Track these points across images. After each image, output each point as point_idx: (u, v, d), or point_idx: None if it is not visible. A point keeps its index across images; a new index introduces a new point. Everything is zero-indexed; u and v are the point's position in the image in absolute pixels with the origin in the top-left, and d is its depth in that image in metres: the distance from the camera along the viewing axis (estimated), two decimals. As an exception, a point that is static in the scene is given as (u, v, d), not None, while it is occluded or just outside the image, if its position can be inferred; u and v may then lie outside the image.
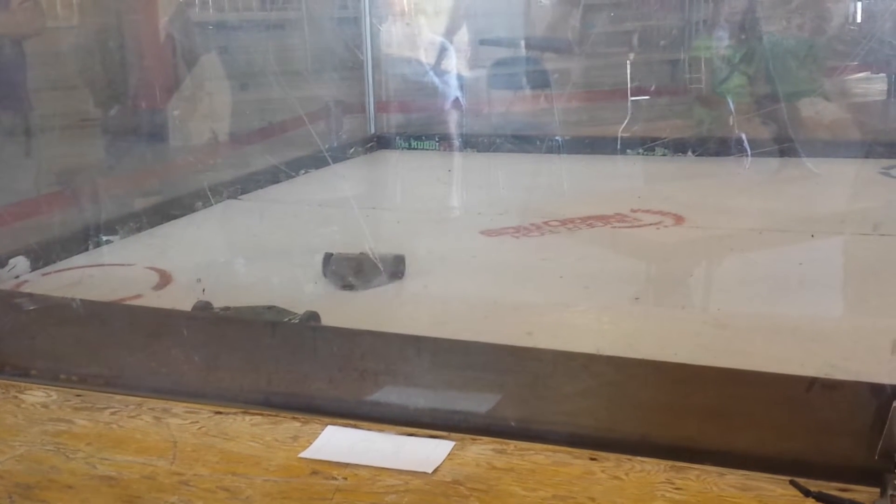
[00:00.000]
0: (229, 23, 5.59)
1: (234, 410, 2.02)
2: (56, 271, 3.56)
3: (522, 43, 6.35)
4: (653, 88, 5.66)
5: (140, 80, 4.60)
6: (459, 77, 5.96)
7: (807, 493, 1.57)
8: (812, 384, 1.83)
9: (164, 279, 3.38)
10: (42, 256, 3.61)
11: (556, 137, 5.60)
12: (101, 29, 4.51)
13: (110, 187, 4.23)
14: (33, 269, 3.55)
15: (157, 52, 4.62)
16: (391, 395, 2.04)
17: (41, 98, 4.09)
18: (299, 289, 3.26)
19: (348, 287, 3.16)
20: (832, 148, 4.98)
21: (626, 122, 5.23)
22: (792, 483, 1.61)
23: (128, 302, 3.06)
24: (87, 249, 3.82)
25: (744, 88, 5.46)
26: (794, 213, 4.07)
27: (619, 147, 5.37)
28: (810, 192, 4.54)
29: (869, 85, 5.73)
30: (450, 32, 6.09)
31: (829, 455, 1.71)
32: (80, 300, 2.45)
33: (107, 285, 3.35)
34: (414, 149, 6.12)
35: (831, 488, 1.59)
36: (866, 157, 4.93)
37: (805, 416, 1.80)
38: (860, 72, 5.52)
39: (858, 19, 5.51)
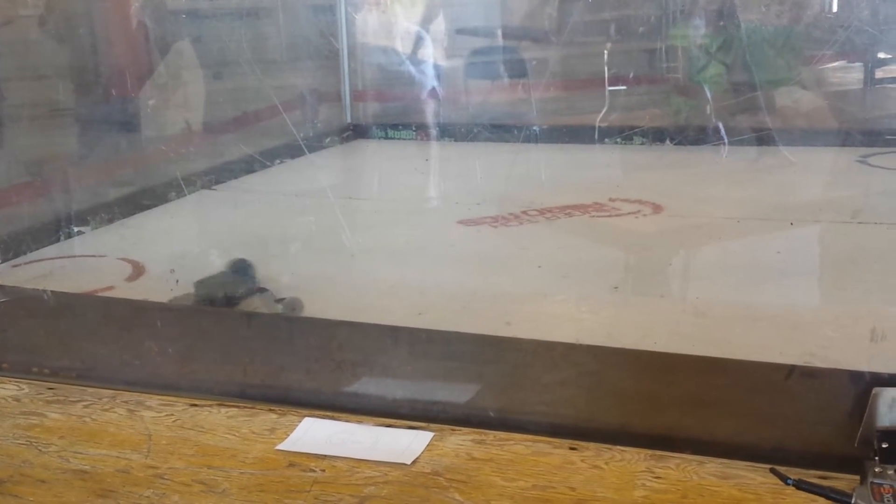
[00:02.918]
0: (202, 11, 5.53)
1: (209, 403, 1.99)
2: (26, 263, 3.52)
3: (499, 32, 6.34)
4: (631, 77, 5.66)
5: (112, 69, 4.54)
6: (436, 66, 5.94)
7: (786, 480, 1.56)
8: (791, 372, 1.82)
9: (137, 270, 3.35)
10: (12, 248, 3.57)
11: (534, 127, 5.60)
12: (71, 16, 4.45)
13: (82, 177, 4.19)
14: (3, 260, 3.51)
15: (128, 39, 4.57)
16: (369, 386, 2.02)
17: (11, 88, 4.03)
18: (276, 279, 3.23)
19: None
20: (809, 136, 5.00)
21: (603, 111, 5.23)
22: (772, 471, 1.60)
23: (100, 293, 3.02)
24: (58, 240, 3.78)
25: (721, 77, 5.47)
26: (772, 201, 4.09)
27: (596, 136, 5.37)
28: (788, 180, 4.56)
29: (845, 74, 5.75)
30: (426, 21, 6.06)
31: (809, 443, 1.71)
32: (52, 292, 2.41)
33: (79, 277, 3.32)
34: (391, 138, 6.10)
35: (811, 476, 1.58)
36: (844, 145, 4.96)
37: (784, 404, 1.79)
38: (837, 60, 5.54)
39: (835, 8, 5.53)
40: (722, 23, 5.50)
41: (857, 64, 5.76)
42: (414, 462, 1.72)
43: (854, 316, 2.59)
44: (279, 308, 2.86)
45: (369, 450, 1.77)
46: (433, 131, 6.03)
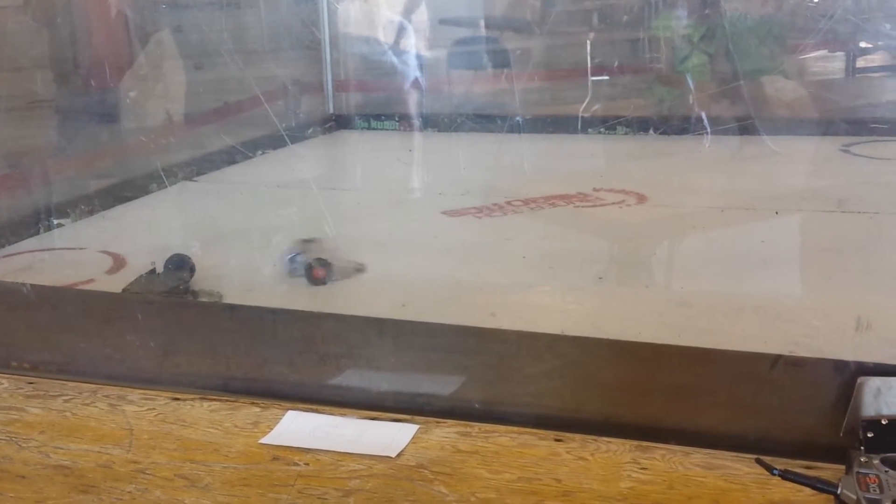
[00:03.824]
0: (182, 1, 5.48)
1: (191, 396, 1.98)
2: (5, 256, 3.48)
3: (482, 22, 6.32)
4: (614, 67, 5.66)
5: (92, 59, 4.50)
6: (419, 56, 5.92)
7: (772, 471, 1.55)
8: (776, 362, 1.82)
9: (118, 263, 3.32)
10: (-11, 240, 3.54)
11: (517, 117, 5.59)
12: (50, 6, 4.40)
13: (61, 169, 4.15)
14: (-20, 253, 3.47)
15: (108, 30, 4.52)
16: (353, 378, 2.01)
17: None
18: (257, 272, 3.22)
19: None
20: (792, 126, 5.02)
21: (586, 101, 5.22)
22: (757, 461, 1.60)
23: (80, 286, 2.99)
24: (37, 233, 3.74)
25: (704, 67, 5.47)
26: (755, 190, 4.10)
27: (580, 126, 5.37)
28: (771, 169, 4.57)
29: (827, 63, 5.76)
30: (408, 11, 6.04)
31: (794, 433, 1.70)
32: (31, 285, 2.38)
33: (58, 270, 3.28)
34: (374, 129, 6.07)
35: (797, 466, 1.58)
36: (827, 134, 4.97)
37: (769, 394, 1.79)
38: (819, 50, 5.56)
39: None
40: (706, 12, 5.50)
41: (839, 53, 5.77)
42: (399, 455, 1.71)
43: (839, 305, 2.60)
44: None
45: (354, 443, 1.76)
46: (416, 122, 6.01)
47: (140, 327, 2.18)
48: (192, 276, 3.08)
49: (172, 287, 2.96)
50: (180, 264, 3.09)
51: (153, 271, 3.09)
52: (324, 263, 3.05)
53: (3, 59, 4.12)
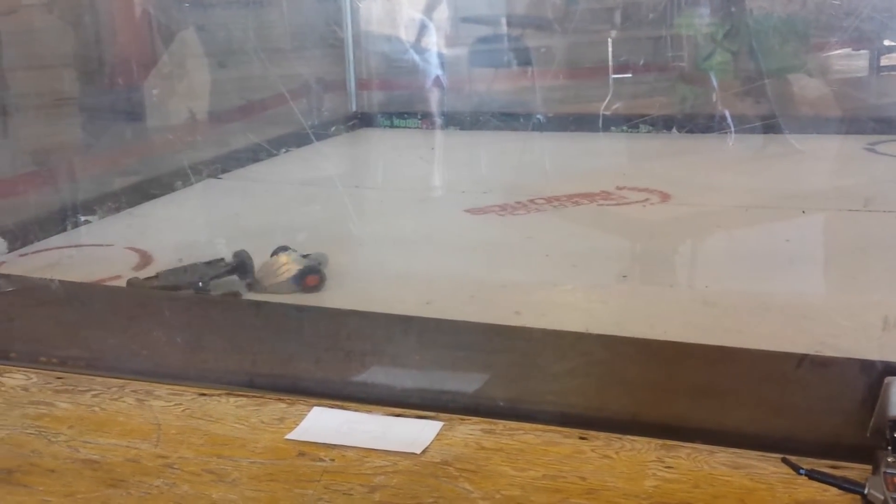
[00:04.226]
0: (206, 0, 5.51)
1: (218, 392, 1.99)
2: (34, 252, 3.51)
3: (504, 20, 6.31)
4: (637, 65, 5.64)
5: (116, 58, 4.53)
6: (440, 54, 5.92)
7: (799, 470, 1.55)
8: (802, 361, 1.82)
9: (145, 259, 3.34)
10: (19, 237, 3.57)
11: (539, 115, 5.58)
12: (76, 5, 4.43)
13: (88, 167, 4.18)
14: (10, 249, 3.50)
15: (133, 28, 4.55)
16: (378, 375, 2.02)
17: (16, 77, 4.02)
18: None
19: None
20: (816, 124, 4.98)
21: (607, 99, 5.21)
22: (784, 461, 1.59)
23: (107, 283, 3.02)
24: (65, 230, 3.77)
25: (727, 65, 5.45)
26: (780, 189, 4.07)
27: (602, 124, 5.35)
28: (796, 168, 4.55)
29: (851, 61, 5.72)
30: (430, 9, 6.05)
31: (821, 432, 1.70)
32: (60, 281, 2.41)
33: (86, 266, 3.31)
34: (396, 127, 6.08)
35: (823, 465, 1.58)
36: (851, 133, 4.94)
37: (796, 394, 1.79)
38: (843, 48, 5.52)
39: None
40: (732, 10, 5.47)
41: (864, 51, 5.73)
42: (424, 451, 1.72)
43: (865, 304, 2.58)
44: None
45: (379, 439, 1.77)
46: (438, 120, 6.01)
47: (167, 323, 2.20)
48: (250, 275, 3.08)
49: (191, 283, 2.96)
50: (242, 263, 3.09)
51: (211, 262, 3.10)
52: (315, 270, 3.02)
53: (32, 58, 4.15)
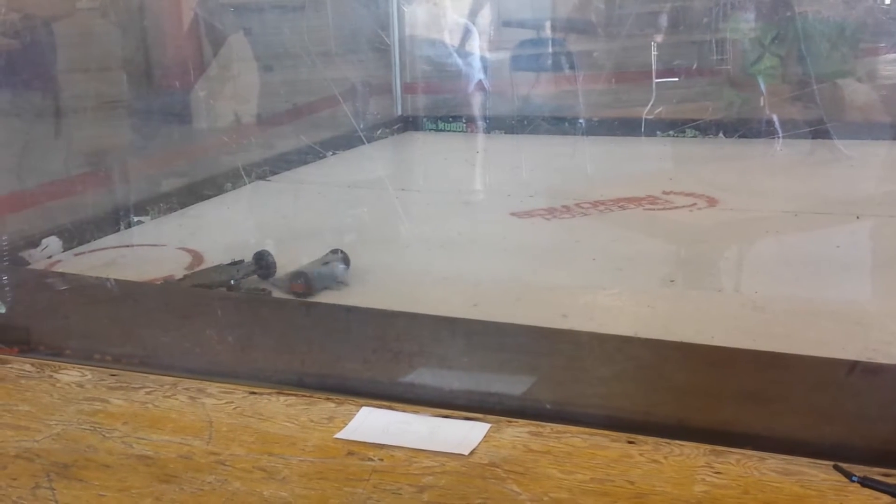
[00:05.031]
0: (253, 4, 5.56)
1: (268, 391, 2.01)
2: (89, 251, 3.57)
3: (546, 24, 6.31)
4: (684, 69, 5.60)
5: (168, 61, 4.60)
6: (483, 58, 5.93)
7: (851, 477, 1.54)
8: (853, 368, 1.80)
9: (197, 260, 3.38)
10: (75, 237, 3.63)
11: (580, 119, 5.56)
12: (128, 9, 4.51)
13: (140, 168, 4.24)
14: (66, 249, 3.56)
15: (185, 32, 4.62)
16: (426, 376, 2.03)
17: (70, 80, 4.09)
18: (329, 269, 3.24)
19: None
20: (865, 130, 4.91)
21: (650, 103, 5.18)
22: (835, 468, 1.58)
23: (160, 282, 3.06)
24: (118, 230, 3.83)
25: (775, 70, 5.39)
26: (829, 195, 4.03)
27: (648, 129, 5.33)
28: (844, 174, 4.49)
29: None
30: (473, 14, 6.06)
31: (873, 439, 1.69)
32: (114, 280, 2.45)
33: (139, 265, 3.35)
34: (441, 130, 6.10)
35: (875, 473, 1.56)
36: (898, 139, 4.87)
37: (847, 400, 1.77)
38: (893, 52, 5.44)
39: (888, 0, 5.43)
40: (787, 14, 5.42)
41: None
42: (471, 453, 1.72)
43: (918, 311, 2.55)
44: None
45: (426, 440, 1.77)
46: (483, 123, 6.02)
47: (218, 322, 2.23)
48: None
49: (223, 281, 3.00)
50: (263, 262, 3.14)
51: (234, 262, 3.15)
52: (300, 276, 3.02)
53: (86, 61, 4.23)
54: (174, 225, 3.94)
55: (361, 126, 5.48)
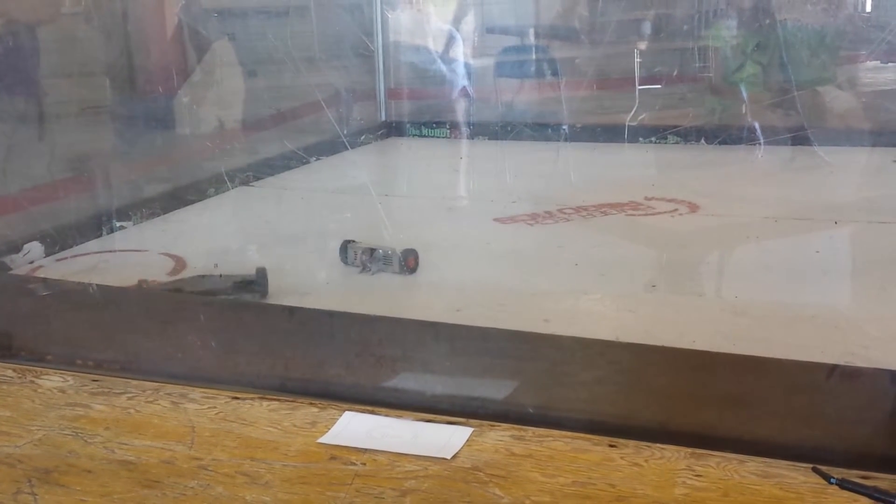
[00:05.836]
0: (238, 10, 5.56)
1: (251, 396, 2.01)
2: (71, 257, 3.56)
3: (530, 31, 6.33)
4: (666, 76, 5.63)
5: (151, 67, 4.59)
6: (467, 65, 5.94)
7: (830, 479, 1.55)
8: (832, 372, 1.82)
9: (179, 265, 3.38)
10: (56, 242, 3.62)
11: (563, 126, 5.57)
12: (114, 15, 4.50)
13: (123, 173, 4.23)
14: (48, 254, 3.55)
15: (168, 38, 4.61)
16: (409, 381, 2.03)
17: (53, 85, 4.08)
18: (312, 275, 3.26)
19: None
20: (845, 136, 4.96)
21: (633, 110, 5.21)
22: (814, 470, 1.59)
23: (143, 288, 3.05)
24: (100, 235, 3.82)
25: (757, 77, 5.43)
26: (809, 201, 4.06)
27: (630, 135, 5.35)
28: (824, 180, 4.53)
29: (881, 74, 5.70)
30: (457, 20, 6.08)
31: (851, 442, 1.70)
32: (96, 285, 2.44)
33: (121, 271, 3.34)
34: (425, 136, 6.11)
35: (853, 475, 1.58)
36: (879, 145, 4.91)
37: (826, 404, 1.79)
38: (871, 60, 5.50)
39: (868, 8, 5.49)
40: (760, 23, 5.46)
41: (893, 64, 5.70)
42: (454, 457, 1.73)
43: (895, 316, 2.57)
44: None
45: (409, 444, 1.78)
46: (466, 129, 6.04)
47: (201, 328, 2.23)
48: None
49: (215, 288, 2.99)
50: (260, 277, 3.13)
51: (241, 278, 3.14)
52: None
53: (69, 66, 4.21)
54: (157, 230, 3.93)
55: (345, 131, 5.48)
